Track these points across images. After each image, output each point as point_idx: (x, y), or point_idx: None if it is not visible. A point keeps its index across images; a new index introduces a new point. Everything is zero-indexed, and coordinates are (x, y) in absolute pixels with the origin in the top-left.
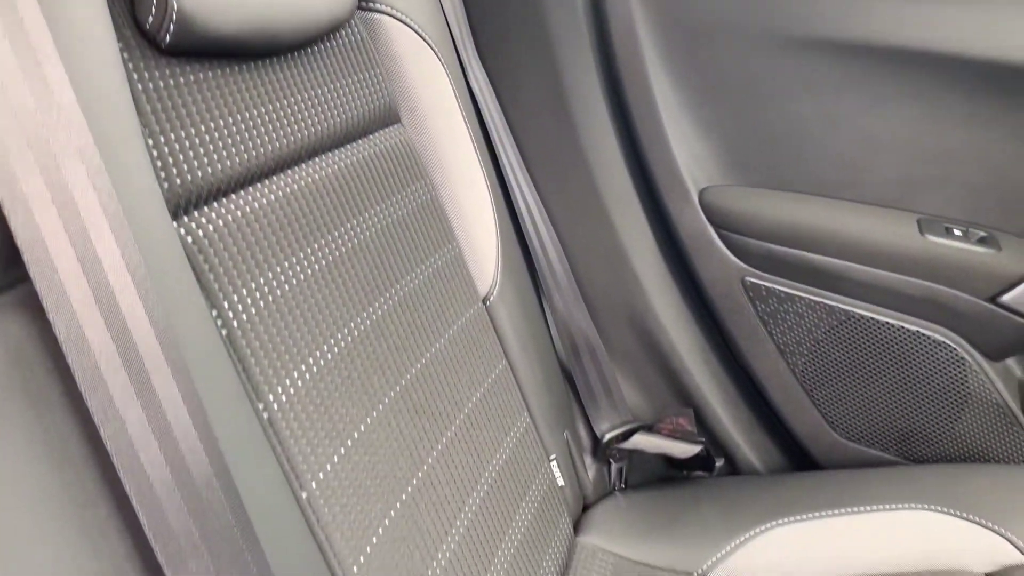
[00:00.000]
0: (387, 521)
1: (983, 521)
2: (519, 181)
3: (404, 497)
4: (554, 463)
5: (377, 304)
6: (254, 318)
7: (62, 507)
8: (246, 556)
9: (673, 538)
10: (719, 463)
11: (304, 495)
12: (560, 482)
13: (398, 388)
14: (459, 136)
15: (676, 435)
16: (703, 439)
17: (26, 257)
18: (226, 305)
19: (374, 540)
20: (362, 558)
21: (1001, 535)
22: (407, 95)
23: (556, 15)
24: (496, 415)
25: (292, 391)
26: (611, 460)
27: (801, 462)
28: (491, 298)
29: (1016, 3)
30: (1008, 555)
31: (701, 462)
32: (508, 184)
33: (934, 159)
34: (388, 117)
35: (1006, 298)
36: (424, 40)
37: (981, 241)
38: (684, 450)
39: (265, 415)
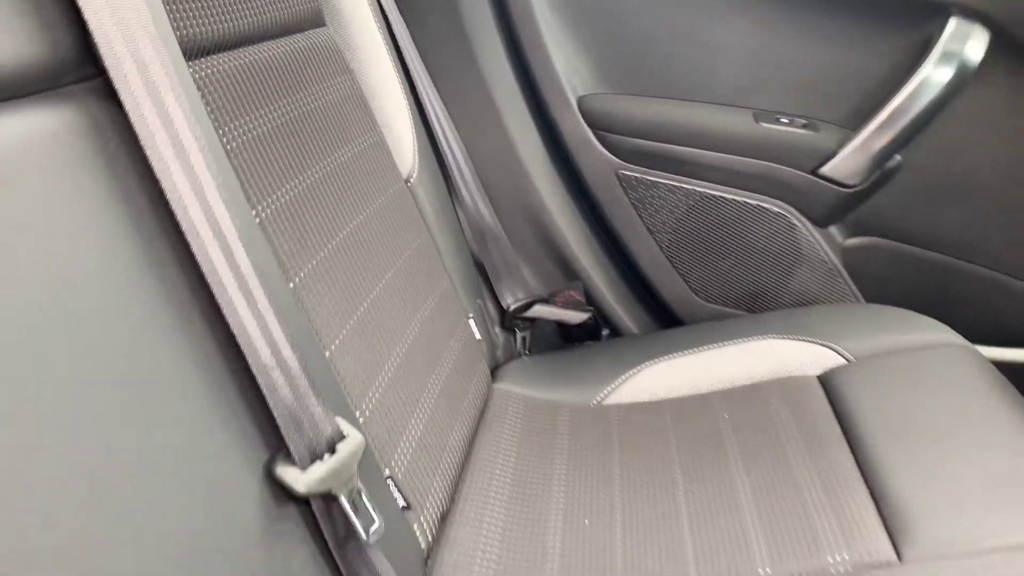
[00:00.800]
0: (338, 341)
1: (816, 340)
2: (428, 94)
3: (347, 329)
4: (471, 321)
5: (312, 171)
6: None
7: (131, 243)
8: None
9: (571, 381)
10: (605, 333)
11: None
12: (477, 336)
13: (337, 240)
14: (377, 44)
15: (569, 305)
16: (591, 308)
17: (102, 51)
18: None
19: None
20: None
21: (829, 347)
22: (332, 6)
23: None
24: (422, 273)
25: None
26: (516, 329)
27: (670, 323)
28: (411, 180)
29: None
30: (834, 360)
31: (590, 331)
32: (419, 94)
33: (765, 64)
34: (316, 20)
35: (823, 169)
36: None
37: (803, 126)
38: (575, 317)
39: None
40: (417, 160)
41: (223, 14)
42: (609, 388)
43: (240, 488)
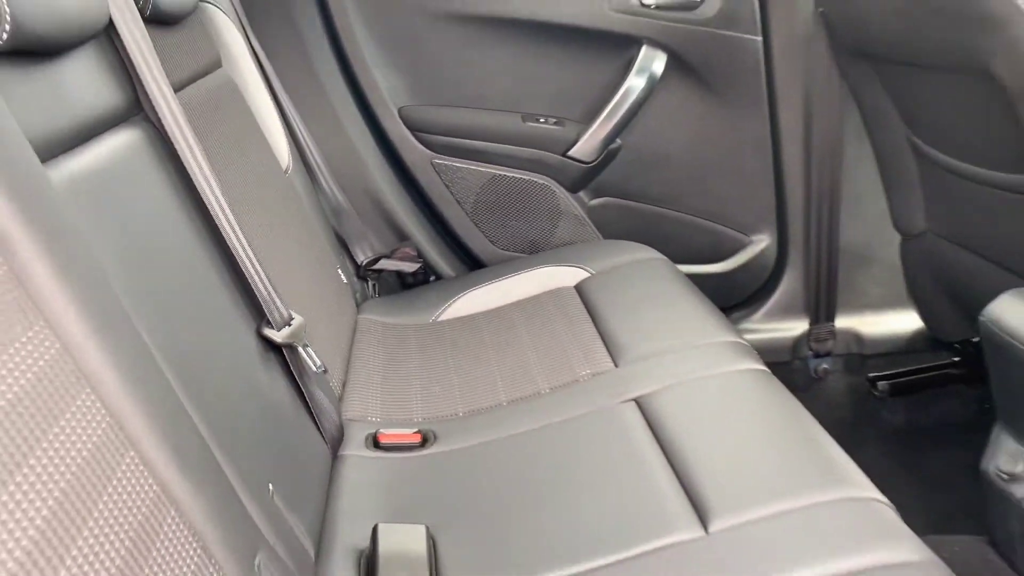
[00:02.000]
0: (278, 269)
1: (572, 264)
2: (290, 110)
3: (278, 264)
4: (339, 270)
5: (246, 171)
6: None
7: (180, 207)
8: None
9: (413, 310)
10: (432, 278)
11: None
12: (344, 280)
13: (265, 212)
14: (254, 76)
15: (404, 258)
16: (421, 259)
17: (152, 97)
18: None
19: None
20: None
21: (581, 268)
22: (226, 52)
23: (298, 6)
24: (307, 233)
25: None
26: (368, 278)
27: (477, 266)
28: (289, 172)
29: None
30: (584, 275)
31: (421, 277)
32: (284, 110)
33: (526, 82)
34: (217, 63)
35: (570, 152)
36: (231, 20)
37: (554, 123)
38: (410, 267)
39: None
40: (290, 159)
41: (184, 66)
42: (439, 311)
43: (248, 340)
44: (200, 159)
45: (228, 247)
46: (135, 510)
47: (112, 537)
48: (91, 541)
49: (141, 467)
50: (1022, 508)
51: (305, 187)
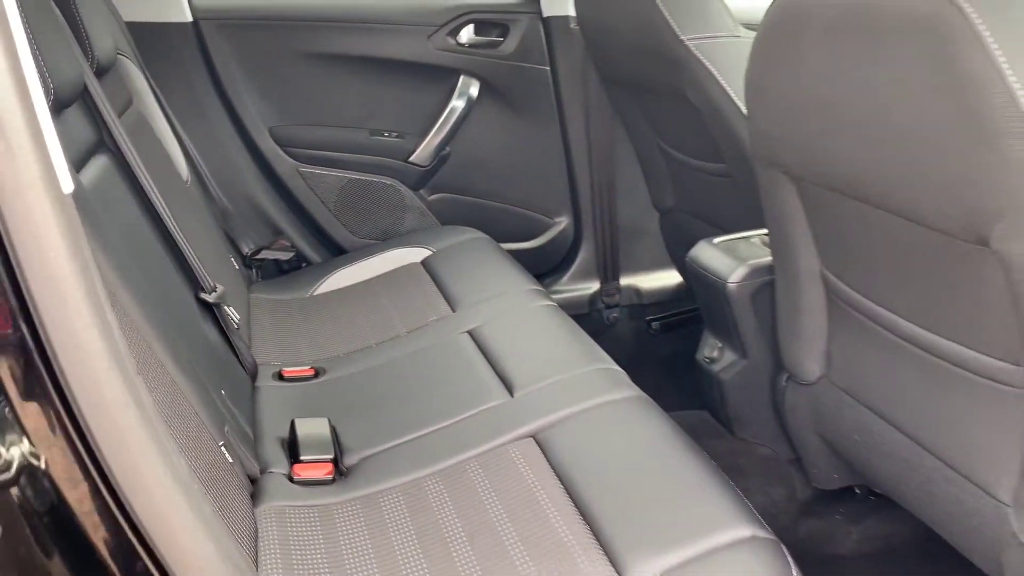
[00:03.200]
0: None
1: (417, 245)
2: (183, 134)
3: (198, 247)
4: (233, 260)
5: (169, 181)
6: None
7: (139, 214)
8: None
9: (292, 288)
10: (304, 264)
11: None
12: (237, 267)
13: (178, 215)
14: (156, 110)
15: (280, 249)
16: (294, 249)
17: (116, 137)
18: None
19: None
20: None
21: (425, 247)
22: (135, 92)
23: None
24: (206, 230)
25: None
26: (252, 267)
27: (341, 252)
28: (188, 182)
29: (399, 32)
30: (427, 253)
31: (295, 263)
32: (178, 133)
33: (372, 104)
34: (130, 103)
35: (411, 159)
36: (137, 68)
37: (396, 137)
38: (285, 255)
39: None
40: (188, 172)
41: (114, 105)
42: (315, 287)
43: (191, 302)
44: (147, 175)
45: (173, 239)
46: (162, 393)
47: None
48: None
49: (165, 370)
50: (719, 380)
51: (200, 194)
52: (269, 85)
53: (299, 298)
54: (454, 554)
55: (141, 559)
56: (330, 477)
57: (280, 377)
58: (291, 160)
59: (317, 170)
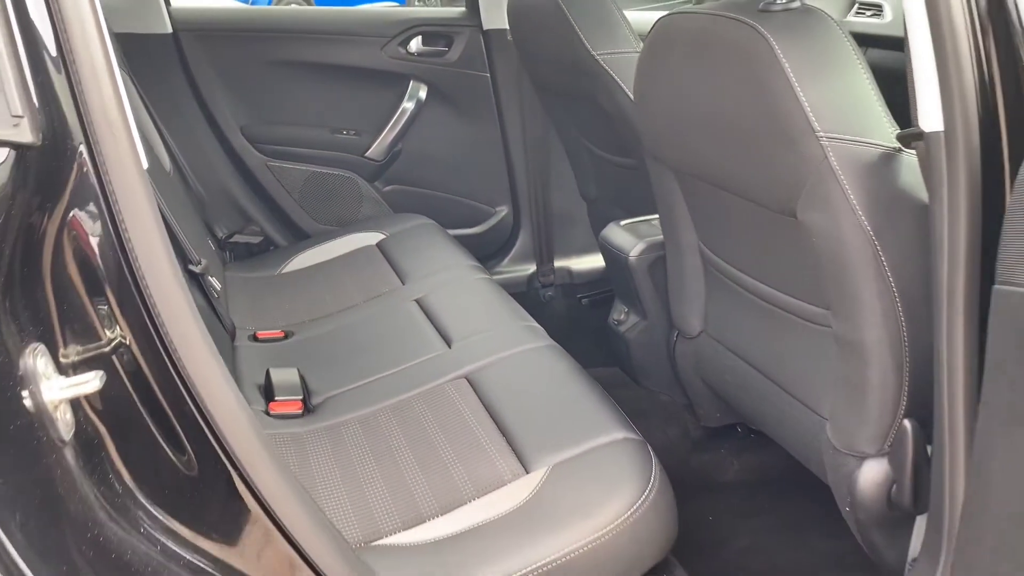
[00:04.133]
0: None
1: (373, 231)
2: (166, 133)
3: (187, 230)
4: (210, 241)
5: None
6: None
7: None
8: None
9: (263, 266)
10: (272, 248)
11: None
12: (214, 249)
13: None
14: (141, 113)
15: (251, 233)
16: (263, 235)
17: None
18: None
19: None
20: None
21: (380, 232)
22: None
23: (166, 59)
24: (188, 215)
25: None
26: (227, 249)
27: (305, 237)
28: (171, 173)
29: (356, 43)
30: (381, 236)
31: (265, 246)
32: (161, 131)
33: (332, 105)
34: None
35: (367, 154)
36: (129, 79)
37: (354, 134)
38: (256, 239)
39: None
40: (170, 164)
41: None
42: (283, 267)
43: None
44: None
45: (165, 218)
46: None
47: None
48: None
49: None
50: (625, 338)
51: (181, 184)
52: (241, 88)
53: (269, 276)
54: (400, 464)
55: (187, 404)
56: (300, 412)
57: (255, 339)
58: (260, 155)
59: (284, 164)
